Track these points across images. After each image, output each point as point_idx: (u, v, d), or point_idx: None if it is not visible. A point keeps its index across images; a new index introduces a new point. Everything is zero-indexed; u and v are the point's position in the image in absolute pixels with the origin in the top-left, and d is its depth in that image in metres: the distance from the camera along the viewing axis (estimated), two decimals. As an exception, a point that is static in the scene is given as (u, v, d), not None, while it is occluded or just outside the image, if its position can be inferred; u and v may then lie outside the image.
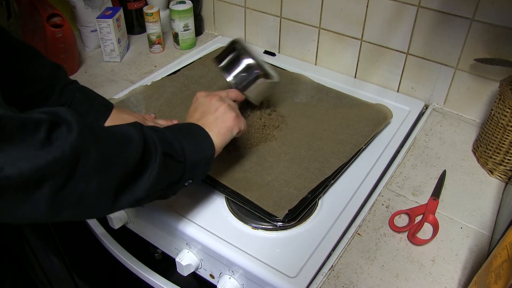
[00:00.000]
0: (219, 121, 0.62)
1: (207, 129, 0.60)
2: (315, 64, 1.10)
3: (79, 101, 0.74)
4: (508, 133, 0.74)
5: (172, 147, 0.53)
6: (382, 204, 0.74)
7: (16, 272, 0.65)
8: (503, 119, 0.74)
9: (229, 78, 0.73)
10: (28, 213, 0.41)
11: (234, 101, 0.71)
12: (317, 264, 0.62)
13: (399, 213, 0.72)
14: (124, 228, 0.79)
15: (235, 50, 0.73)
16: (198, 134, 0.59)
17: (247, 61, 0.72)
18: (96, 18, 1.05)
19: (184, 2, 1.12)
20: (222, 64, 0.73)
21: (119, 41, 1.09)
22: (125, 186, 0.47)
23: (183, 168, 0.55)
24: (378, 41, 0.97)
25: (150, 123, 0.79)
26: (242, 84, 0.73)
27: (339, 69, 1.06)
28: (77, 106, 0.74)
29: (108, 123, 0.76)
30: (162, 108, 0.89)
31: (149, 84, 0.95)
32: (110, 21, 1.04)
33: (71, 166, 0.41)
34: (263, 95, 0.80)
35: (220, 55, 0.75)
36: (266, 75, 0.74)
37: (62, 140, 0.40)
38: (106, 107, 0.77)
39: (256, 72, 0.73)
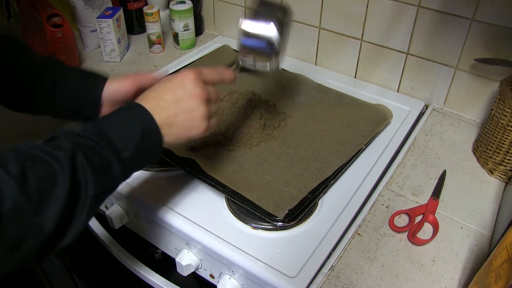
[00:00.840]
0: (186, 124, 0.54)
1: (167, 125, 0.52)
2: (315, 64, 1.10)
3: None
4: (508, 133, 0.74)
5: (109, 173, 0.47)
6: (382, 204, 0.74)
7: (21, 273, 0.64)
8: (503, 119, 0.74)
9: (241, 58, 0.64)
10: None
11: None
12: (317, 264, 0.62)
13: (399, 213, 0.72)
14: (124, 228, 0.79)
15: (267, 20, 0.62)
16: (148, 138, 0.51)
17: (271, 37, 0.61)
18: (96, 18, 1.05)
19: (184, 2, 1.12)
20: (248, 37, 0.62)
21: (119, 41, 1.09)
22: (45, 250, 0.42)
23: (120, 182, 0.50)
24: (378, 41, 0.97)
25: (147, 81, 0.67)
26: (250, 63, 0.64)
27: (339, 69, 1.06)
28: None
29: (106, 98, 0.65)
30: None
31: None
32: (110, 21, 1.04)
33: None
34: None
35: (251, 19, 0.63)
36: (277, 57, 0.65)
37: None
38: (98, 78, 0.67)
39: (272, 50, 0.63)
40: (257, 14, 0.63)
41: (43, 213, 0.40)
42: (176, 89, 0.54)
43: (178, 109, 0.53)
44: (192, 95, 0.54)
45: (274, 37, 0.62)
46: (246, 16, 0.64)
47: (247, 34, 0.62)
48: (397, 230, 0.69)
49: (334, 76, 1.05)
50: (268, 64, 0.65)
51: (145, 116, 0.51)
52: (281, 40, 0.64)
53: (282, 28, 0.64)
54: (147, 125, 0.51)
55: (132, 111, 0.52)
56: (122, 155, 0.48)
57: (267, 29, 0.62)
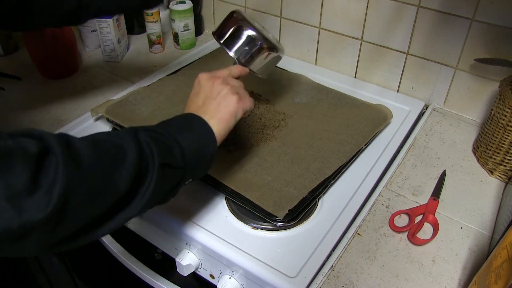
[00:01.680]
0: (221, 106, 0.59)
1: (208, 116, 0.57)
2: (315, 64, 1.10)
3: None
4: (508, 133, 0.74)
5: (171, 153, 0.50)
6: (382, 204, 0.74)
7: (17, 272, 0.64)
8: (503, 119, 0.74)
9: (232, 53, 0.68)
10: (19, 254, 0.39)
11: (239, 77, 0.67)
12: (317, 264, 0.62)
13: (399, 213, 0.72)
14: (124, 228, 0.79)
15: (235, 22, 0.68)
16: (200, 129, 0.56)
17: (249, 32, 0.67)
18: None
19: (184, 2, 1.12)
20: (224, 38, 0.68)
21: (119, 41, 1.09)
22: (117, 211, 0.44)
23: (182, 173, 0.52)
24: (378, 41, 0.97)
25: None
26: (246, 58, 0.68)
27: (339, 69, 1.06)
28: None
29: None
30: (161, 105, 0.89)
31: (148, 85, 0.95)
32: (110, 21, 1.04)
33: (59, 213, 0.37)
34: (270, 69, 0.74)
35: (219, 28, 0.70)
36: (271, 48, 0.69)
37: (48, 185, 0.36)
38: None
39: (260, 44, 0.68)
40: (225, 33, 0.69)
41: (118, 175, 0.43)
42: (198, 91, 0.62)
43: (206, 99, 0.60)
44: (209, 83, 0.61)
45: (252, 33, 0.67)
46: (218, 42, 0.70)
47: (237, 50, 0.68)
48: (397, 230, 0.69)
49: (334, 76, 1.05)
50: (267, 52, 0.69)
51: (191, 116, 0.58)
52: (256, 29, 0.68)
53: (248, 23, 0.68)
54: (197, 120, 0.57)
55: (179, 117, 0.58)
56: (180, 141, 0.52)
57: (243, 34, 0.68)
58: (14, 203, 0.34)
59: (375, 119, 0.85)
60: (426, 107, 0.97)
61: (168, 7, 1.13)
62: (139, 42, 1.21)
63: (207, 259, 0.68)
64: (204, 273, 0.70)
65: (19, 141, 0.37)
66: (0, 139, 0.36)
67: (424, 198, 0.75)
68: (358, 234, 0.69)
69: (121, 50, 1.12)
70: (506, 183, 0.78)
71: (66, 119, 0.91)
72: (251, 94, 0.90)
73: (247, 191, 0.69)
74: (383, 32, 0.95)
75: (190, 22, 1.14)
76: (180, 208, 0.70)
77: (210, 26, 1.26)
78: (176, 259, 0.69)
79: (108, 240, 0.82)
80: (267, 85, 0.97)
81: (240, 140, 0.80)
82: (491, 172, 0.80)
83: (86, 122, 0.89)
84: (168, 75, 1.00)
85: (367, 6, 0.94)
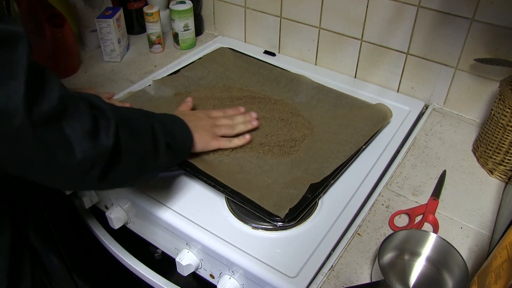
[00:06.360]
0: (200, 131, 0.73)
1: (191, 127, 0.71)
2: (315, 64, 1.10)
3: None
4: (508, 133, 0.74)
5: (172, 136, 0.64)
6: (382, 204, 0.74)
7: (34, 263, 0.65)
8: (503, 119, 0.74)
9: None
10: (81, 187, 0.60)
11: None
12: (317, 264, 0.62)
13: (399, 213, 0.72)
14: (124, 228, 0.79)
15: None
16: (185, 128, 0.69)
17: None
18: (96, 18, 1.05)
19: (184, 2, 1.12)
20: None
21: (119, 41, 1.09)
22: (144, 165, 0.58)
23: (171, 155, 0.65)
24: (378, 41, 0.97)
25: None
26: None
27: (339, 69, 1.06)
28: None
29: None
30: (161, 107, 0.89)
31: (149, 85, 0.95)
32: (110, 21, 1.04)
33: (114, 153, 0.50)
34: None
35: None
36: None
37: (105, 131, 0.48)
38: None
39: None
40: None
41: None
42: (190, 115, 0.77)
43: (193, 119, 0.74)
44: (200, 114, 0.78)
45: None
46: None
47: None
48: (397, 230, 0.69)
49: (334, 76, 1.05)
50: None
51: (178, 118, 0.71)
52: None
53: None
54: (179, 120, 0.70)
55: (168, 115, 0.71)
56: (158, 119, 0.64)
57: None
58: (89, 138, 0.46)
59: (375, 119, 0.85)
60: (426, 107, 0.97)
61: (168, 7, 1.13)
62: (139, 42, 1.21)
63: (207, 259, 0.68)
64: (204, 273, 0.70)
65: (81, 95, 0.50)
66: (67, 91, 0.47)
67: (424, 198, 0.75)
68: (358, 234, 0.69)
69: (121, 50, 1.12)
70: (506, 183, 0.78)
71: (66, 119, 0.91)
72: (252, 95, 0.90)
73: (247, 191, 0.69)
74: (383, 32, 0.95)
75: (190, 22, 1.14)
76: (180, 208, 0.70)
77: (210, 26, 1.26)
78: (176, 259, 0.69)
79: (108, 240, 0.82)
80: (267, 85, 0.97)
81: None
82: (491, 172, 0.80)
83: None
84: (168, 75, 1.00)
85: (367, 6, 0.94)
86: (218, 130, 0.76)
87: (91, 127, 0.47)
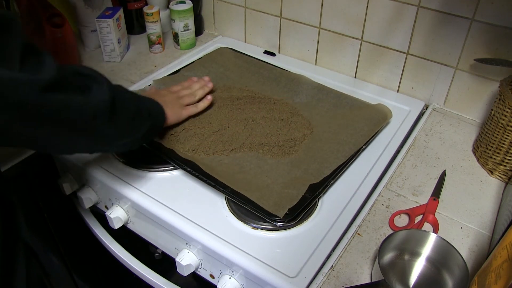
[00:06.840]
0: (171, 106, 0.78)
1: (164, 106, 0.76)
2: (315, 64, 1.10)
3: None
4: (508, 133, 0.74)
5: (149, 108, 0.70)
6: (382, 204, 0.74)
7: (29, 261, 0.65)
8: (503, 119, 0.74)
9: None
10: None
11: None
12: (317, 264, 0.62)
13: (399, 213, 0.72)
14: (124, 228, 0.79)
15: None
16: (157, 104, 0.74)
17: None
18: (96, 18, 1.05)
19: (184, 2, 1.12)
20: None
21: (119, 41, 1.09)
22: (134, 126, 0.64)
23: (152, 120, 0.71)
24: (378, 41, 0.97)
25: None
26: None
27: (339, 69, 1.06)
28: None
29: None
30: None
31: (149, 84, 0.95)
32: (110, 21, 1.04)
33: (112, 103, 0.57)
34: None
35: None
36: None
37: (98, 90, 0.55)
38: None
39: None
40: None
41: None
42: (155, 95, 0.81)
43: (159, 97, 0.78)
44: (163, 92, 0.84)
45: None
46: None
47: None
48: (397, 230, 0.69)
49: (334, 76, 1.05)
50: None
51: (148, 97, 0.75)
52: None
53: None
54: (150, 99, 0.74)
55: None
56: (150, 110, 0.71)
57: None
58: (98, 86, 0.56)
59: (375, 119, 0.85)
60: (426, 107, 0.97)
61: (168, 7, 1.13)
62: (139, 42, 1.21)
63: (207, 259, 0.68)
64: (204, 273, 0.70)
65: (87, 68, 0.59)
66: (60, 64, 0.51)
67: (424, 198, 0.75)
68: (358, 234, 0.69)
69: (121, 50, 1.12)
70: (506, 183, 0.78)
71: (66, 119, 0.91)
72: (251, 95, 0.90)
73: (247, 191, 0.69)
74: (383, 32, 0.95)
75: (190, 22, 1.14)
76: (180, 208, 0.70)
77: (210, 26, 1.26)
78: (176, 259, 0.69)
79: (108, 240, 0.82)
80: (267, 85, 0.97)
81: (240, 139, 0.80)
82: (491, 172, 0.80)
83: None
84: (168, 75, 1.00)
85: (367, 6, 0.94)
86: (183, 100, 0.83)
87: (90, 86, 0.55)
